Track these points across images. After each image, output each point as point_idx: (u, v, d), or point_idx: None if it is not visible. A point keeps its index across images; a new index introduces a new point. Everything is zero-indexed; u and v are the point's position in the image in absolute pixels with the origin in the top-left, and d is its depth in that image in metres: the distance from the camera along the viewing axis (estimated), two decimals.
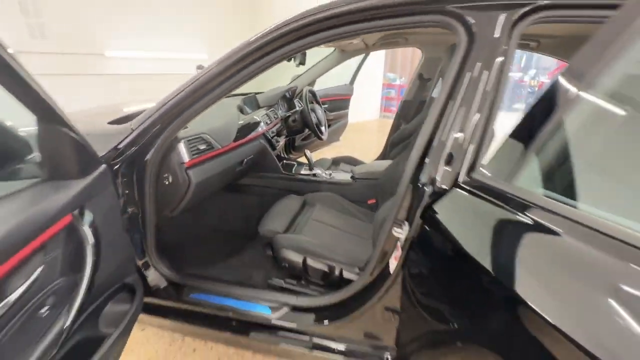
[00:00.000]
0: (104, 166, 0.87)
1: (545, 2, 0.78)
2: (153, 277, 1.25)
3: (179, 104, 1.03)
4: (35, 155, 0.74)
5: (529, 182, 0.70)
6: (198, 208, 1.59)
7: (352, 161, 2.41)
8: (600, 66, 0.60)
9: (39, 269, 0.64)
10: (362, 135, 5.50)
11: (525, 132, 0.72)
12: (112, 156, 0.98)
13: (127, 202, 1.07)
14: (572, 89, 0.64)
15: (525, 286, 0.54)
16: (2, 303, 0.55)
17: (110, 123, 1.17)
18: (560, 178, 0.70)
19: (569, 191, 0.64)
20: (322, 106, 2.51)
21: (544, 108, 0.69)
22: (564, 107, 0.66)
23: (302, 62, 1.86)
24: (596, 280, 0.50)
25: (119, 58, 4.41)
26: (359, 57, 2.75)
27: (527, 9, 0.80)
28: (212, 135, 1.35)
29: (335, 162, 2.38)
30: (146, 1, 4.45)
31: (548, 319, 0.49)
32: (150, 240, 1.20)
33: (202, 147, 1.29)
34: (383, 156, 2.49)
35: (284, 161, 2.11)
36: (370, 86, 6.98)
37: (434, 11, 0.88)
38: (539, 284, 0.54)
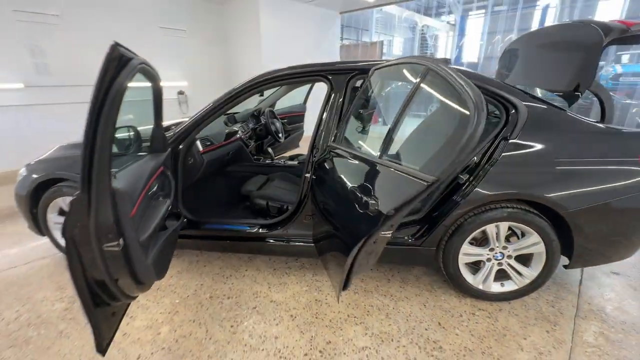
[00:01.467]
0: (169, 149, 1.89)
1: (356, 72, 1.93)
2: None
3: (196, 122, 2.08)
4: (145, 143, 1.77)
5: (344, 143, 1.81)
6: (204, 184, 2.59)
7: (301, 157, 3.50)
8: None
9: (157, 185, 1.66)
10: None
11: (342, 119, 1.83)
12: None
13: None
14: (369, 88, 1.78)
15: (348, 179, 1.60)
16: (151, 190, 1.58)
17: None
18: (353, 139, 1.82)
19: (356, 142, 1.76)
20: (282, 120, 3.60)
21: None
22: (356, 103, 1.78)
23: (262, 94, 2.97)
24: (356, 176, 1.55)
25: None
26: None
27: (350, 75, 1.94)
28: (213, 137, 2.40)
29: (291, 158, 3.46)
30: (133, 40, 5.39)
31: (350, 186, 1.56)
32: (179, 197, 2.20)
33: (208, 143, 2.33)
34: None
35: (254, 157, 3.17)
36: None
37: (316, 76, 2.00)
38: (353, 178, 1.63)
